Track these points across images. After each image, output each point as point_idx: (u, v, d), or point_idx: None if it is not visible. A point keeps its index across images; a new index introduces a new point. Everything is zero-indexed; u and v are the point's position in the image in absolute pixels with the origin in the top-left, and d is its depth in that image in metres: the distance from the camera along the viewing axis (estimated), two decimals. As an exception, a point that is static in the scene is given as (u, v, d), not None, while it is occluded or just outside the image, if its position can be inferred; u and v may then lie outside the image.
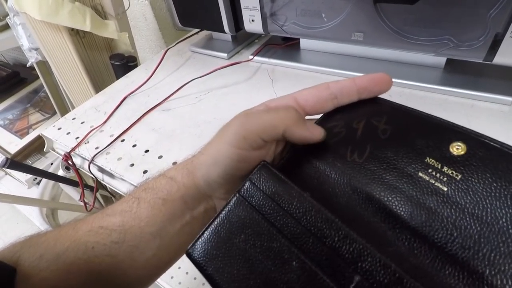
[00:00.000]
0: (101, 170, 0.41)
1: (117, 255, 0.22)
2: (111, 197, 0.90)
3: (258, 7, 0.47)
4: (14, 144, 1.16)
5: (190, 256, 0.19)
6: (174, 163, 0.37)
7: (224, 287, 0.18)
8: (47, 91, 0.94)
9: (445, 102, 0.39)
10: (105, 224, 0.22)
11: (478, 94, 0.38)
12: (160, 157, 0.38)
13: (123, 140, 0.42)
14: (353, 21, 0.41)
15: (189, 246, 0.19)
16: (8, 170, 1.16)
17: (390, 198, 0.18)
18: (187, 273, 0.69)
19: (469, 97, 0.39)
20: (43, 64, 0.86)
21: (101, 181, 0.41)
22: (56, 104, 0.98)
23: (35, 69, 0.87)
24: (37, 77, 1.35)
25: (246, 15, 0.49)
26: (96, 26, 0.56)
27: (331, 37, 0.44)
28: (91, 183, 0.79)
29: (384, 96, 0.22)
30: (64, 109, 1.00)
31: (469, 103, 0.39)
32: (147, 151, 0.39)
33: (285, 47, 0.53)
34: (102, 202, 0.91)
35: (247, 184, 0.20)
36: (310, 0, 0.42)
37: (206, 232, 0.19)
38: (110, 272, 0.22)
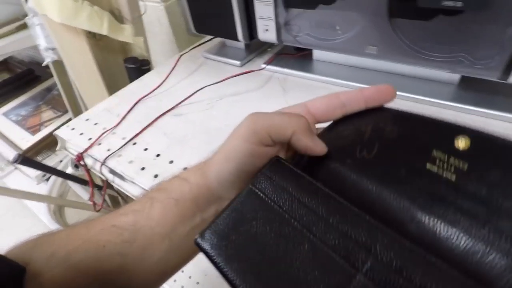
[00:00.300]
0: (112, 172, 0.41)
1: (127, 254, 0.22)
2: (117, 196, 0.91)
3: (273, 17, 0.47)
4: (26, 140, 1.19)
5: (199, 245, 0.19)
6: (185, 168, 0.37)
7: (234, 274, 0.17)
8: (61, 90, 0.96)
9: (458, 119, 0.39)
10: (117, 223, 0.23)
11: (492, 112, 0.38)
12: (171, 162, 0.39)
13: (135, 143, 0.42)
14: (368, 34, 0.41)
15: (198, 234, 0.19)
16: (18, 166, 1.18)
17: (400, 190, 0.18)
18: (190, 277, 0.69)
19: (483, 115, 0.38)
20: (58, 64, 0.88)
21: (112, 183, 0.42)
22: (68, 103, 1.00)
23: (49, 67, 0.89)
24: (51, 75, 1.38)
25: (260, 24, 0.49)
26: (113, 30, 0.57)
27: (344, 49, 0.45)
28: (98, 182, 0.80)
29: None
30: (76, 108, 1.02)
31: (482, 121, 0.38)
32: (158, 155, 0.40)
33: (297, 57, 0.54)
34: (109, 202, 0.92)
35: (260, 175, 0.20)
36: (325, 12, 0.43)
37: (216, 220, 0.19)
38: (119, 274, 0.22)
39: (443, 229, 0.16)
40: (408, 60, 0.40)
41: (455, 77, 0.42)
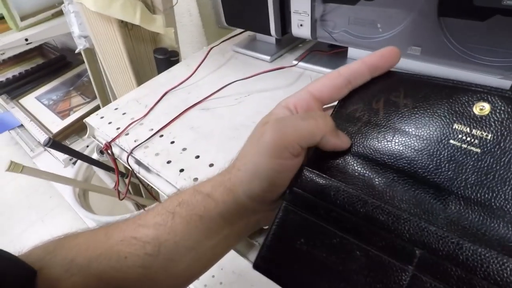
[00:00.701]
0: (138, 163, 0.41)
1: (151, 267, 0.22)
2: (139, 184, 0.92)
3: (309, 12, 0.45)
4: (56, 125, 1.23)
5: (258, 269, 0.20)
6: (211, 165, 0.37)
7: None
8: (91, 77, 0.99)
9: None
10: (138, 236, 0.22)
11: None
12: (197, 157, 0.38)
13: (161, 136, 0.42)
14: (412, 34, 0.38)
15: (254, 261, 0.20)
16: (48, 149, 1.23)
17: (429, 171, 0.18)
18: (213, 276, 0.69)
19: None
20: (90, 51, 0.90)
21: (137, 174, 0.42)
22: (97, 90, 1.03)
23: (80, 54, 0.91)
24: (82, 62, 1.43)
25: (295, 19, 0.47)
26: (145, 20, 0.57)
27: (383, 48, 0.42)
28: (121, 168, 0.82)
29: None
30: (104, 96, 1.04)
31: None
32: (184, 149, 0.39)
33: (331, 54, 0.52)
34: (131, 190, 0.94)
35: (293, 191, 0.20)
36: (366, 8, 0.40)
37: (265, 244, 0.20)
38: (141, 283, 0.22)
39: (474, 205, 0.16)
40: (456, 63, 0.37)
41: (507, 84, 0.38)
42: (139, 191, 1.00)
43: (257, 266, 0.20)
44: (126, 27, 0.62)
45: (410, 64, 0.44)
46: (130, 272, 0.21)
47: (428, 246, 0.16)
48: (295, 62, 0.51)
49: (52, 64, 1.50)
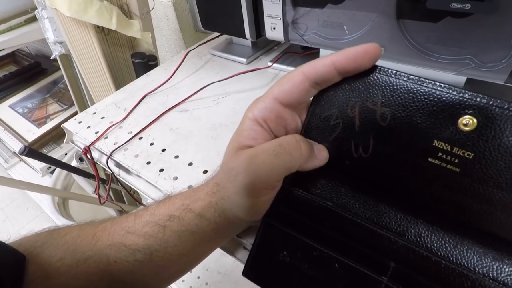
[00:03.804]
0: (118, 165, 0.42)
1: (141, 272, 0.22)
2: (121, 190, 0.91)
3: (281, 16, 0.47)
4: (32, 133, 1.20)
5: (247, 277, 0.22)
6: (190, 164, 0.38)
7: None
8: (67, 83, 0.97)
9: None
10: (128, 243, 0.22)
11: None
12: (176, 157, 0.39)
13: (141, 138, 0.43)
14: (375, 35, 0.41)
15: (243, 269, 0.22)
16: (24, 158, 1.19)
17: (405, 187, 0.18)
18: (191, 271, 0.69)
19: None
20: (66, 57, 0.89)
21: (117, 176, 0.42)
22: (74, 97, 1.01)
23: (55, 61, 0.90)
24: (58, 69, 1.39)
25: (268, 22, 0.49)
26: (122, 25, 0.58)
27: (351, 49, 0.45)
28: (102, 175, 0.81)
29: None
30: (82, 102, 1.02)
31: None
32: (163, 150, 0.40)
33: (304, 55, 0.54)
34: (112, 196, 0.93)
35: (273, 206, 0.22)
36: (333, 11, 0.43)
37: (251, 255, 0.22)
38: (131, 285, 0.23)
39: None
40: (415, 61, 0.41)
41: (461, 79, 0.42)
42: (121, 197, 0.99)
43: (246, 274, 0.22)
44: (102, 32, 0.62)
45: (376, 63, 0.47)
46: (119, 276, 0.22)
47: (400, 259, 0.17)
48: (270, 64, 0.53)
49: (26, 71, 1.45)
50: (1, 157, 1.28)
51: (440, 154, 0.17)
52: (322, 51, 0.52)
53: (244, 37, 0.53)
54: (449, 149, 0.16)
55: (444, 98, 0.17)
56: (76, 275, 0.21)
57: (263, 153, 0.19)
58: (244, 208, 0.20)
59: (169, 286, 0.69)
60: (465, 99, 0.16)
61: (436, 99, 0.17)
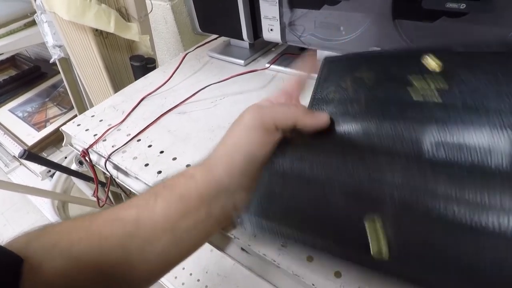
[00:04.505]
0: (117, 168, 0.42)
1: (129, 246, 0.23)
2: (120, 193, 0.91)
3: (278, 17, 0.48)
4: (32, 137, 1.20)
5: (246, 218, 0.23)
6: (188, 165, 0.38)
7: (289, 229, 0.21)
8: (67, 87, 0.97)
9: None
10: (120, 216, 0.24)
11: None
12: (174, 158, 0.39)
13: (139, 140, 0.43)
14: (371, 36, 0.41)
15: (240, 214, 0.23)
16: (24, 161, 1.20)
17: (397, 124, 0.20)
18: (191, 274, 0.69)
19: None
20: (65, 61, 0.89)
21: (116, 179, 0.42)
22: (74, 100, 1.01)
23: (55, 64, 0.90)
24: (57, 72, 1.40)
25: (265, 24, 0.50)
26: (120, 28, 0.58)
27: (348, 50, 0.45)
28: (102, 178, 0.81)
29: None
30: (81, 105, 1.03)
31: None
32: (162, 152, 0.40)
33: (301, 56, 0.54)
34: (112, 199, 0.93)
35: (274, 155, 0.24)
36: (330, 13, 0.43)
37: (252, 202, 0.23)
38: (120, 265, 0.23)
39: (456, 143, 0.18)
40: (412, 61, 0.41)
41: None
42: (120, 200, 0.99)
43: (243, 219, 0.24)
44: (101, 36, 0.63)
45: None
46: (111, 253, 0.22)
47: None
48: (267, 65, 0.53)
49: (25, 75, 1.45)
50: (1, 161, 1.28)
51: (421, 92, 0.20)
52: (320, 53, 0.52)
53: (242, 39, 0.53)
54: (427, 86, 0.20)
55: (407, 53, 0.23)
56: (69, 258, 0.22)
57: (268, 103, 0.26)
58: (244, 146, 0.24)
59: (161, 282, 0.69)
60: (425, 47, 0.21)
61: (404, 56, 0.23)
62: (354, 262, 0.18)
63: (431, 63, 0.20)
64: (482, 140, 0.16)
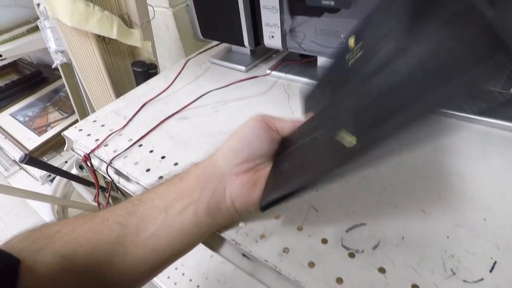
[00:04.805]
0: (118, 173, 0.42)
1: (127, 225, 0.25)
2: (121, 198, 0.91)
3: (279, 24, 0.48)
4: (32, 141, 1.20)
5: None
6: (189, 171, 0.38)
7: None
8: (68, 91, 0.98)
9: (460, 127, 0.39)
10: (126, 204, 0.27)
11: (495, 121, 0.38)
12: (175, 164, 0.39)
13: (140, 145, 0.43)
14: (371, 43, 0.42)
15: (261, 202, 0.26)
16: (24, 166, 1.19)
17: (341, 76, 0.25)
18: (190, 280, 0.69)
19: (486, 124, 0.39)
20: (67, 66, 0.90)
21: (117, 184, 0.43)
22: (75, 105, 1.02)
23: (57, 69, 0.91)
24: (59, 77, 1.40)
25: (266, 31, 0.50)
26: (122, 34, 0.58)
27: (348, 56, 0.45)
28: (102, 183, 0.81)
29: None
30: (83, 110, 1.03)
31: (485, 130, 0.39)
32: (163, 157, 0.41)
33: (302, 63, 0.55)
34: (112, 204, 0.92)
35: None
36: (330, 20, 0.43)
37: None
38: (115, 243, 0.25)
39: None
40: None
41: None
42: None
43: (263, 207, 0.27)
44: (103, 41, 0.63)
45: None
46: (109, 231, 0.25)
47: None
48: (268, 71, 0.54)
49: (27, 80, 1.46)
50: (1, 166, 1.28)
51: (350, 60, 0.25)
52: (320, 59, 0.52)
53: (243, 45, 0.54)
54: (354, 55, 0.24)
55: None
56: (67, 241, 0.24)
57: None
58: (251, 136, 0.26)
59: (153, 282, 0.68)
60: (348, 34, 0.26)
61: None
62: (338, 166, 0.21)
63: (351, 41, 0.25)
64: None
